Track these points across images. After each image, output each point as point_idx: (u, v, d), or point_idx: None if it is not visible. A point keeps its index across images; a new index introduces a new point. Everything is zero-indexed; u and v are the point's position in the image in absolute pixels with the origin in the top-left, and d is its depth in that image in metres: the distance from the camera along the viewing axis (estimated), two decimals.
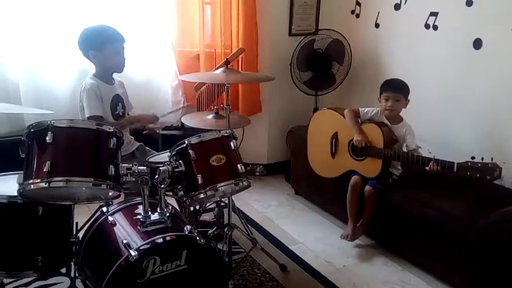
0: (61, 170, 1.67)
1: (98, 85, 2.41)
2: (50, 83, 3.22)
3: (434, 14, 3.00)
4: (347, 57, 3.59)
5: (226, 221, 2.50)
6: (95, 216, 2.05)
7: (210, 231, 2.82)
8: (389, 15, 3.35)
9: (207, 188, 1.91)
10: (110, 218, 1.95)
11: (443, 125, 3.02)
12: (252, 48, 3.58)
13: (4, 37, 3.06)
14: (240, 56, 3.52)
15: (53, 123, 1.70)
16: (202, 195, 1.92)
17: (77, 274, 2.01)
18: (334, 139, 2.90)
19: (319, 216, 3.24)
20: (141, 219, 1.81)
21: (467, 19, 2.80)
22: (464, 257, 2.28)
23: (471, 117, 2.86)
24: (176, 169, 1.90)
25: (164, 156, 2.30)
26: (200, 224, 2.81)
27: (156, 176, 1.83)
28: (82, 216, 2.11)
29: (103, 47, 2.40)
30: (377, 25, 3.48)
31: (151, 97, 3.46)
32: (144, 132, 2.65)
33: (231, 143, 2.02)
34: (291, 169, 3.60)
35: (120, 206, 2.03)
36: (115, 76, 2.57)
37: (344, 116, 2.82)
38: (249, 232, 2.70)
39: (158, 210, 1.85)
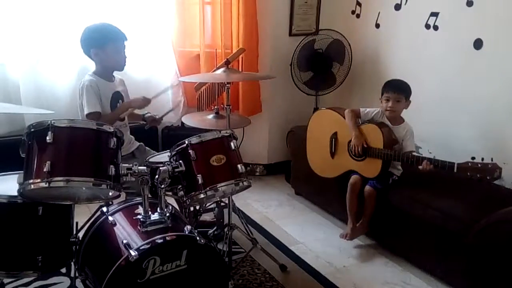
0: (61, 170, 1.67)
1: (97, 82, 2.41)
2: (51, 83, 3.22)
3: (434, 14, 3.00)
4: (347, 57, 3.59)
5: (226, 221, 2.50)
6: (95, 216, 2.05)
7: (210, 231, 2.83)
8: (389, 15, 3.35)
9: (207, 188, 1.91)
10: (110, 218, 1.95)
11: (443, 125, 3.02)
12: (252, 48, 3.58)
13: (5, 37, 3.06)
14: (240, 56, 3.52)
15: (54, 123, 1.70)
16: (202, 195, 1.92)
17: (77, 274, 2.00)
18: (333, 139, 2.90)
19: (319, 216, 3.24)
20: (141, 219, 1.81)
21: (468, 20, 2.80)
22: (464, 257, 2.28)
23: (471, 117, 2.86)
24: (176, 169, 1.90)
25: (164, 156, 2.30)
26: (200, 224, 2.81)
27: (156, 176, 1.83)
28: (82, 216, 2.11)
29: (105, 45, 2.40)
30: (377, 25, 3.48)
31: (150, 96, 3.45)
32: (146, 126, 2.65)
33: (231, 143, 2.02)
34: (291, 169, 3.60)
35: (120, 206, 2.03)
36: (116, 74, 2.56)
37: (344, 116, 2.82)
38: (249, 232, 2.70)
39: (158, 210, 1.85)
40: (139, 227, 1.81)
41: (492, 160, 2.25)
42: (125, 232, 1.86)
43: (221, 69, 2.60)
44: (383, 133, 2.63)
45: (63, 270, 2.24)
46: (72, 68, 3.22)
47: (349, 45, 3.57)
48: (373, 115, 2.76)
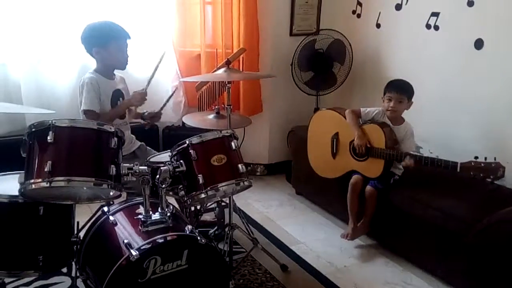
0: (62, 169, 1.67)
1: (97, 79, 2.40)
2: (52, 83, 3.23)
3: (435, 14, 3.00)
4: (348, 57, 3.59)
5: (227, 221, 2.50)
6: (96, 216, 2.05)
7: (211, 231, 2.83)
8: (390, 15, 3.35)
9: (208, 188, 1.91)
10: (111, 217, 1.95)
11: (445, 125, 3.02)
12: (253, 48, 3.58)
13: (6, 37, 3.06)
14: (241, 56, 3.53)
15: (54, 122, 1.70)
16: (203, 195, 1.92)
17: (78, 274, 2.01)
18: (335, 139, 2.90)
19: (320, 216, 3.24)
20: (142, 219, 1.81)
21: (468, 20, 2.80)
22: (465, 258, 2.28)
23: (472, 117, 2.85)
24: (177, 169, 1.90)
25: (165, 156, 2.30)
26: (201, 224, 2.81)
27: (157, 176, 1.83)
28: (83, 215, 2.11)
29: (107, 44, 2.39)
30: (378, 25, 3.47)
31: (152, 97, 3.43)
32: (146, 127, 2.65)
33: (232, 143, 2.02)
34: (292, 169, 3.60)
35: (121, 206, 2.03)
36: (116, 72, 2.56)
37: (344, 117, 2.82)
38: (250, 232, 2.70)
39: (159, 210, 1.85)
40: (140, 227, 1.81)
41: (495, 159, 2.24)
42: (126, 232, 1.86)
43: (222, 69, 2.61)
44: (385, 133, 2.63)
45: (64, 270, 2.24)
46: (73, 68, 3.22)
47: (350, 45, 3.57)
48: (374, 115, 2.76)
